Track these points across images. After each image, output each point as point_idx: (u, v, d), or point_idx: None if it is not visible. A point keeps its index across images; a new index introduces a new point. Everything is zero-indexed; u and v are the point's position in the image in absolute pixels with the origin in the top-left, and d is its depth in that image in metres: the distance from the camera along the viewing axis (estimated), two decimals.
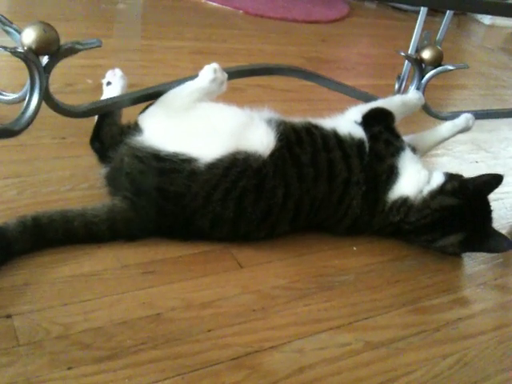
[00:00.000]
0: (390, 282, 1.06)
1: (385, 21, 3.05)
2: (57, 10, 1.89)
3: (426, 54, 1.42)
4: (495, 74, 2.60)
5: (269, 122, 1.05)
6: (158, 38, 1.94)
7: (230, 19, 2.36)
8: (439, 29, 1.63)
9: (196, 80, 1.08)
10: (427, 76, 1.38)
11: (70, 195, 1.06)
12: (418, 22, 1.58)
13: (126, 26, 1.97)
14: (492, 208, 1.15)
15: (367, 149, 1.12)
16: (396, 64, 1.73)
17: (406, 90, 1.53)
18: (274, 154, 1.01)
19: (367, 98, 1.40)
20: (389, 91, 1.75)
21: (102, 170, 1.06)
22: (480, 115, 1.51)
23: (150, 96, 1.08)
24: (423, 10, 1.58)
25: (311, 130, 1.10)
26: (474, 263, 1.17)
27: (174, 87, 1.08)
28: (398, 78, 1.76)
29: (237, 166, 0.97)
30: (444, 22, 1.68)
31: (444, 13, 1.69)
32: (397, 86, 1.74)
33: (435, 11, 2.74)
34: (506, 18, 3.74)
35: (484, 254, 1.19)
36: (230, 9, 2.44)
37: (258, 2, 2.62)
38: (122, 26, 1.97)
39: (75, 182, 1.09)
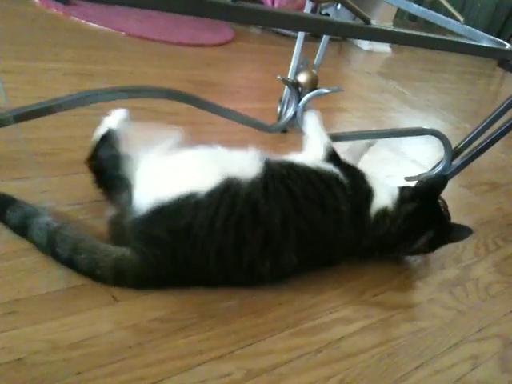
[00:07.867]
0: (273, 305, 1.04)
1: (269, 46, 3.13)
2: None
3: (302, 78, 1.47)
4: (373, 97, 2.74)
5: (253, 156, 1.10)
6: (33, 60, 1.83)
7: (111, 41, 2.29)
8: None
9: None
10: (304, 99, 1.41)
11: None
12: (296, 47, 1.63)
13: None
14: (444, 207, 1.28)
15: (343, 181, 1.16)
16: (279, 88, 1.76)
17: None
18: (263, 179, 1.04)
19: (248, 122, 1.40)
20: (273, 114, 1.79)
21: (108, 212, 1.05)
22: (359, 136, 1.58)
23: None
24: (300, 35, 1.63)
25: (293, 166, 1.13)
26: (352, 280, 1.19)
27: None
28: (280, 101, 1.80)
29: (230, 190, 0.99)
30: (320, 46, 1.75)
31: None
32: (279, 109, 1.78)
33: (317, 37, 2.86)
34: (382, 44, 3.99)
35: (360, 270, 1.22)
36: (111, 30, 2.37)
37: (140, 23, 2.58)
38: None
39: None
